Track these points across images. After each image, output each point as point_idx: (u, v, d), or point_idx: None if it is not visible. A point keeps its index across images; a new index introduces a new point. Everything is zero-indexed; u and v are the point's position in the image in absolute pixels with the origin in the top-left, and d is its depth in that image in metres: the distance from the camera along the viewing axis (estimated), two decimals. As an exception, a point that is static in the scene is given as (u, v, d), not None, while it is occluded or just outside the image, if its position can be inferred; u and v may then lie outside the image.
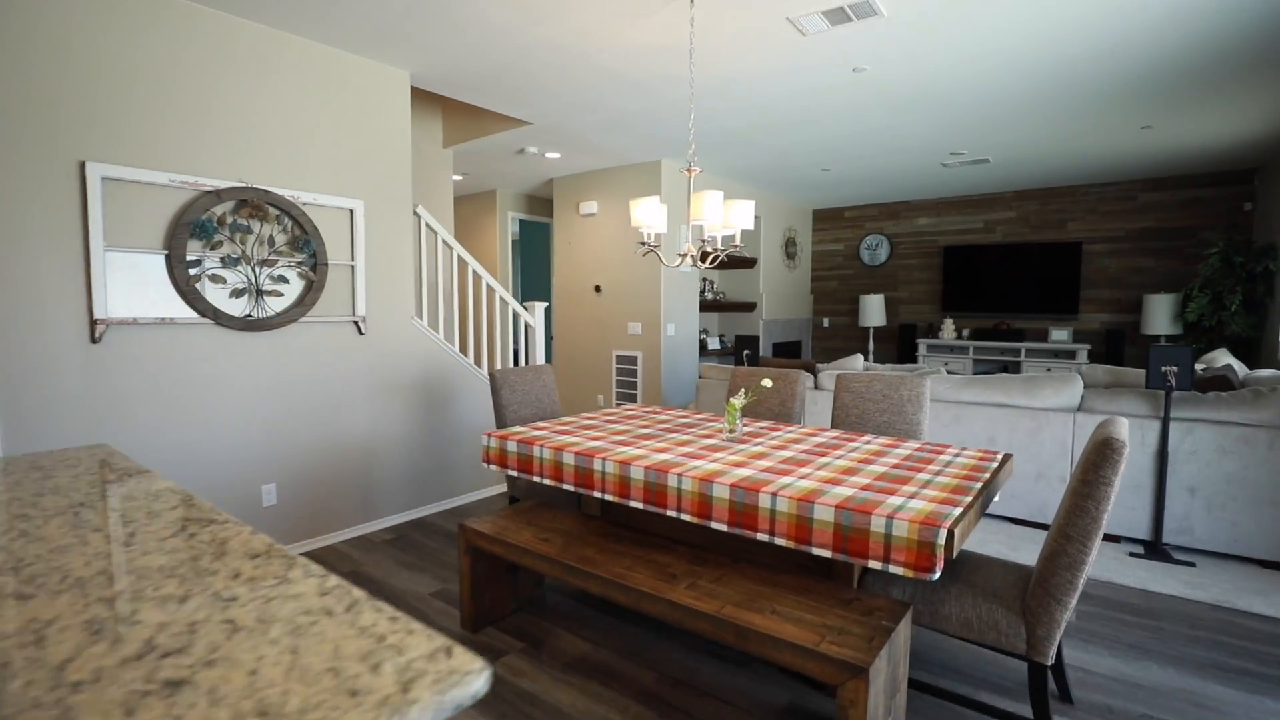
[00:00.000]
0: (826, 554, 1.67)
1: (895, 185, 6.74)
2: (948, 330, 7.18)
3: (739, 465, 2.07)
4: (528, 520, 2.46)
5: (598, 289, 6.13)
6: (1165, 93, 3.79)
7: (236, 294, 2.90)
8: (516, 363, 4.46)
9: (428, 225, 3.76)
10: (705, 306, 6.75)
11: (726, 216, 2.54)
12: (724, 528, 1.88)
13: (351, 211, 3.31)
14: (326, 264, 3.18)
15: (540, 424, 2.78)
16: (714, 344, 6.95)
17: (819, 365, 4.56)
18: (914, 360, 7.42)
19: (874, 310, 7.56)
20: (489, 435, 2.60)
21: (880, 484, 1.87)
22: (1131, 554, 3.13)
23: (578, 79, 3.56)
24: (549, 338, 7.69)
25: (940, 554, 1.49)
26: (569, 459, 2.28)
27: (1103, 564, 3.02)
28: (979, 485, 1.87)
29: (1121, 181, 6.42)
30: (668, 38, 3.04)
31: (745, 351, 4.29)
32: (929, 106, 4.07)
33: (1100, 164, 5.69)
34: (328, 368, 3.27)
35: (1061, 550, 1.61)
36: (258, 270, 2.95)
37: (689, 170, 2.62)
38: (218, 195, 2.79)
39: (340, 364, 3.32)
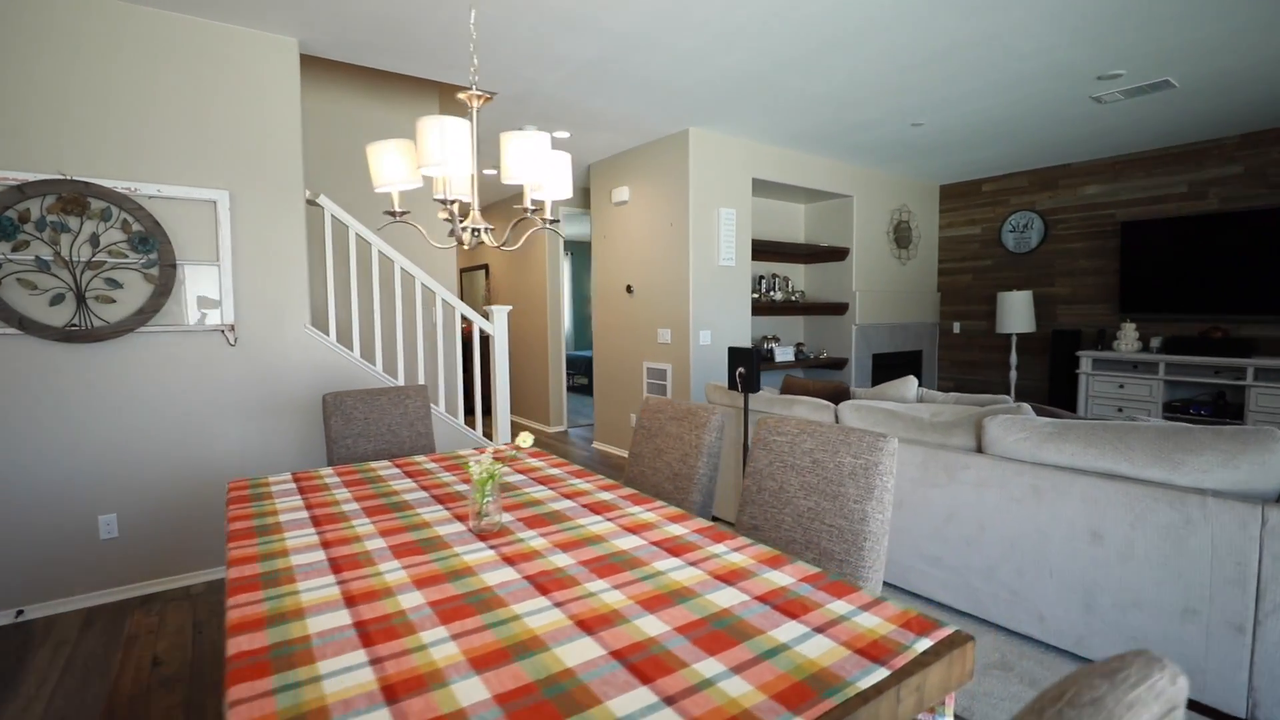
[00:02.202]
0: None
1: (1040, 141, 4.89)
2: (1127, 338, 5.09)
3: (366, 596, 1.12)
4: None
5: (629, 289, 5.24)
6: None
7: (56, 300, 2.55)
8: (470, 380, 3.77)
9: (334, 217, 3.21)
10: (770, 309, 5.51)
11: (507, 164, 1.57)
12: None
13: (215, 204, 2.85)
14: (174, 265, 2.74)
15: (318, 472, 2.02)
16: (784, 354, 5.65)
17: (855, 391, 3.23)
18: (1074, 382, 5.39)
19: (1017, 312, 5.65)
20: (230, 486, 1.91)
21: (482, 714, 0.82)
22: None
23: (474, 12, 2.76)
24: (586, 345, 6.94)
25: None
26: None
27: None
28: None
29: None
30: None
31: (739, 370, 3.14)
32: (1017, -6, 2.59)
33: (1397, 70, 3.48)
34: (186, 384, 2.84)
35: None
36: (82, 274, 2.59)
37: (469, 94, 1.68)
38: (20, 190, 2.45)
39: (203, 379, 2.88)
